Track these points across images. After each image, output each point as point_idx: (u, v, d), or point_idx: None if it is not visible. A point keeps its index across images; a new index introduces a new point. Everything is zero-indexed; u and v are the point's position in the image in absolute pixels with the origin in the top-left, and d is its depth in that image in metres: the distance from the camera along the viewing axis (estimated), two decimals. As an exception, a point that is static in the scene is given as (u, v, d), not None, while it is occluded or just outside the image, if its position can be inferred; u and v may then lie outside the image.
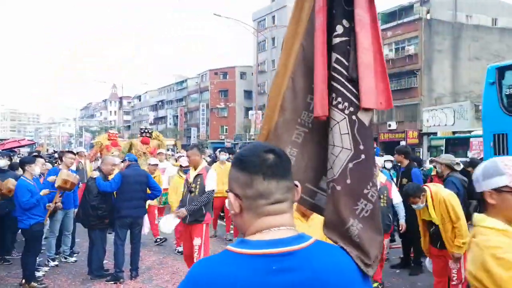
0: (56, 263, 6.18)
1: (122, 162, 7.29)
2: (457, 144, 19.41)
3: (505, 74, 7.30)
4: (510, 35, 31.88)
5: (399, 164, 6.34)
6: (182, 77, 61.40)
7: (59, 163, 6.83)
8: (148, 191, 5.84)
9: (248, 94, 48.86)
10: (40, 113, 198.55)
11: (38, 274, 5.47)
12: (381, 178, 5.12)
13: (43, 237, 5.88)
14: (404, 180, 5.82)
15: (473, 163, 5.73)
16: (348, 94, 1.45)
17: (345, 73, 1.46)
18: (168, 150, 16.87)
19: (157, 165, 7.51)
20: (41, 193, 5.19)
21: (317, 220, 1.83)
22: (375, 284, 4.85)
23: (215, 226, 8.24)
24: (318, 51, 1.50)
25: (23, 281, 5.15)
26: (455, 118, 26.11)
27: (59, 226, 6.21)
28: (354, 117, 1.44)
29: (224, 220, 8.36)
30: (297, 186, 1.11)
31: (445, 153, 11.51)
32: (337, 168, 1.43)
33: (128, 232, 5.64)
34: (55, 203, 5.50)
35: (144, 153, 9.87)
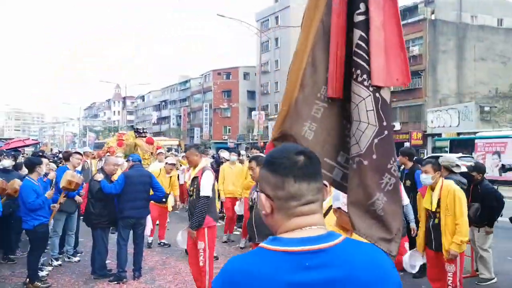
0: (59, 262, 6.20)
1: (126, 161, 7.32)
2: (462, 145, 19.34)
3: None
4: (515, 35, 31.68)
5: (402, 165, 6.29)
6: (185, 77, 61.53)
7: (63, 163, 6.87)
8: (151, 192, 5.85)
9: (251, 94, 48.88)
10: (44, 113, 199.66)
11: (41, 273, 5.49)
12: None
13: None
14: (408, 182, 5.77)
15: (478, 168, 5.58)
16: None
17: (369, 49, 1.48)
18: (170, 150, 16.88)
19: (174, 164, 7.40)
20: (47, 195, 5.21)
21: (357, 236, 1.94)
22: None
23: (228, 230, 7.86)
24: (334, 31, 1.52)
25: (27, 280, 5.17)
26: (460, 119, 25.99)
27: (62, 226, 6.24)
28: (378, 94, 1.48)
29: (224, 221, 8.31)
30: (326, 185, 1.13)
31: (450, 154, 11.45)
32: (363, 144, 1.46)
33: (131, 232, 5.65)
34: (60, 203, 5.54)
35: (152, 153, 9.88)
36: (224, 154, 10.01)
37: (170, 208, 6.70)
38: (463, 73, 29.91)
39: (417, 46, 29.49)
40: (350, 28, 1.52)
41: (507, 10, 33.72)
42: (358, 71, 1.48)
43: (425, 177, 4.04)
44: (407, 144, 25.98)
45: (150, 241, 7.25)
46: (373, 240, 1.42)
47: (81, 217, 6.62)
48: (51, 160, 9.17)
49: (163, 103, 65.54)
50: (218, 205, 6.60)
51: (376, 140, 1.46)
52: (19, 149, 14.26)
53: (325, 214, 2.92)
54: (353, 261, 1.00)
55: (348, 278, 0.97)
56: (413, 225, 5.32)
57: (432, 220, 4.07)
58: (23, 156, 11.49)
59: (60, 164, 7.62)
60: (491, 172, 15.75)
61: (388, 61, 1.47)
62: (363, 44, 1.48)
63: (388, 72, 1.46)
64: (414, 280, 5.66)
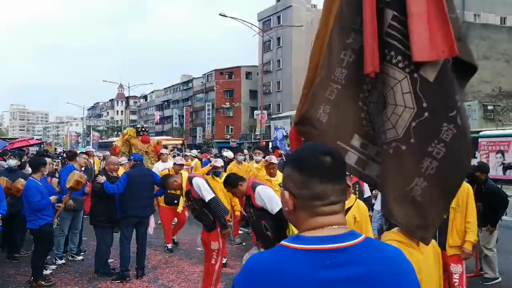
0: (63, 261, 6.23)
1: (128, 161, 7.32)
2: (465, 144, 19.20)
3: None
4: (519, 34, 31.51)
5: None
6: (188, 77, 61.58)
7: (68, 162, 6.92)
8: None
9: (253, 94, 48.87)
10: (48, 112, 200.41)
11: (45, 272, 5.52)
12: None
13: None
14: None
15: (482, 168, 5.51)
16: (408, 52, 1.40)
17: (403, 29, 1.41)
18: (174, 149, 16.89)
19: (182, 165, 7.35)
20: (52, 199, 5.25)
21: (428, 248, 1.81)
22: None
23: (237, 233, 7.75)
24: (367, 6, 1.45)
25: (31, 278, 5.21)
26: (463, 118, 25.90)
27: (69, 224, 6.27)
28: (415, 75, 1.40)
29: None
30: (349, 186, 1.16)
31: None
32: (400, 128, 1.41)
33: (134, 231, 5.67)
34: (64, 203, 5.58)
35: (146, 152, 9.75)
36: (227, 153, 10.01)
37: (180, 209, 6.66)
38: (467, 71, 29.78)
39: (420, 45, 29.39)
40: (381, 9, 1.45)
41: (510, 8, 33.54)
42: (392, 53, 1.42)
43: None
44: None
45: (170, 247, 7.10)
46: (411, 228, 1.37)
47: (85, 216, 6.67)
48: (55, 160, 9.22)
49: (166, 103, 65.63)
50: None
51: (413, 124, 1.40)
52: (24, 148, 14.33)
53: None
54: (372, 261, 1.01)
55: (366, 277, 0.98)
56: None
57: None
58: (27, 156, 11.54)
59: (67, 163, 7.66)
60: (495, 171, 15.67)
61: (431, 32, 1.35)
62: (397, 24, 1.41)
63: (432, 45, 1.34)
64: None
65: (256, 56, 45.40)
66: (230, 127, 50.43)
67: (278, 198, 3.71)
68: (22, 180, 5.57)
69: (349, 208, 2.94)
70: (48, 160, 6.41)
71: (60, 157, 12.63)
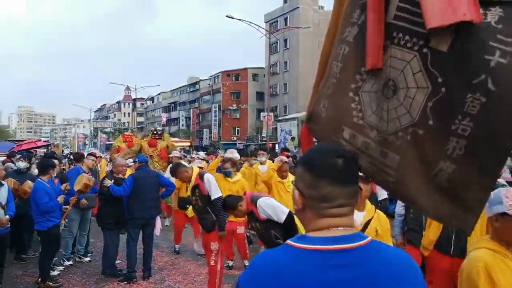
0: (70, 262, 6.26)
1: (133, 162, 7.33)
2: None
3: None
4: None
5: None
6: (194, 79, 61.84)
7: (74, 164, 6.98)
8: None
9: (260, 95, 48.92)
10: (55, 114, 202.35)
11: (53, 273, 5.56)
12: None
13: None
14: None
15: None
16: (416, 28, 1.31)
17: (410, 7, 1.32)
18: (181, 151, 16.91)
19: (201, 167, 7.28)
20: (59, 199, 5.29)
21: None
22: None
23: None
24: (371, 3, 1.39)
25: (39, 279, 5.24)
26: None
27: (77, 226, 6.32)
28: (425, 50, 1.29)
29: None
30: (361, 189, 1.13)
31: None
32: (415, 111, 1.31)
33: (141, 233, 5.69)
34: (72, 205, 5.63)
35: (151, 156, 9.75)
36: (232, 155, 9.95)
37: (190, 214, 6.61)
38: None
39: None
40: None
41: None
42: (400, 34, 1.34)
43: None
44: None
45: (177, 249, 7.12)
46: (443, 219, 1.25)
47: (92, 218, 6.71)
48: (61, 162, 9.29)
49: (173, 105, 65.95)
50: None
51: (430, 104, 1.26)
52: (31, 150, 14.46)
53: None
54: (377, 263, 1.01)
55: (369, 278, 0.99)
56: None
57: None
58: (35, 158, 11.64)
59: (73, 165, 7.73)
60: (503, 174, 15.43)
61: None
62: (403, 4, 1.33)
63: (450, 7, 1.18)
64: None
65: (263, 57, 45.49)
66: (236, 129, 50.52)
67: (281, 205, 3.68)
68: (30, 182, 5.62)
69: (369, 220, 2.73)
70: (55, 162, 6.45)
71: (67, 159, 12.73)
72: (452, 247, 3.36)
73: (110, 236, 5.70)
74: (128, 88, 70.23)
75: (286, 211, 3.55)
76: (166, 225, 9.11)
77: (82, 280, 5.62)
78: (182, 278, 5.73)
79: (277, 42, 42.84)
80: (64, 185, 5.66)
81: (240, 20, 26.11)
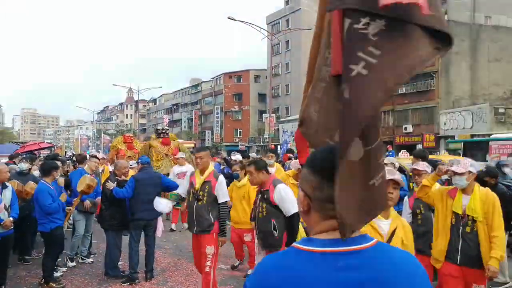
0: (73, 263, 6.30)
1: (136, 164, 7.38)
2: (476, 147, 18.97)
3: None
4: (530, 36, 31.07)
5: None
6: (196, 80, 61.92)
7: (77, 165, 7.02)
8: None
9: (262, 97, 48.93)
10: (58, 116, 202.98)
11: (56, 274, 5.60)
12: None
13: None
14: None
15: (490, 172, 5.31)
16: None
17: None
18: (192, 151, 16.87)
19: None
20: (61, 198, 5.32)
21: None
22: None
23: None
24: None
25: (42, 281, 5.28)
26: (474, 121, 25.58)
27: (83, 227, 6.36)
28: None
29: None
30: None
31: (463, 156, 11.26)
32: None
33: (143, 234, 5.72)
34: (74, 206, 5.67)
35: (166, 154, 9.69)
36: (235, 156, 9.99)
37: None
38: (477, 74, 29.44)
39: (429, 47, 29.11)
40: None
41: (522, 10, 33.11)
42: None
43: (458, 179, 3.46)
44: (419, 146, 25.65)
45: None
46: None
47: (94, 219, 6.74)
48: (65, 163, 9.33)
49: (175, 106, 66.04)
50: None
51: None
52: (34, 152, 14.54)
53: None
54: (384, 264, 1.01)
55: (376, 280, 0.99)
56: None
57: (462, 227, 3.43)
58: (38, 159, 11.70)
59: (77, 167, 7.77)
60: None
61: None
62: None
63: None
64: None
65: (265, 59, 45.50)
66: (238, 130, 50.54)
67: (296, 201, 3.70)
68: (32, 183, 5.66)
69: (394, 230, 2.49)
70: (58, 163, 6.49)
71: (70, 160, 12.78)
72: (458, 256, 3.42)
73: (112, 237, 5.73)
74: (130, 89, 70.43)
75: (297, 209, 3.58)
76: (172, 230, 8.95)
77: (84, 281, 5.65)
78: (185, 279, 5.75)
79: (279, 44, 42.87)
80: (62, 179, 5.70)
81: (242, 21, 26.17)
